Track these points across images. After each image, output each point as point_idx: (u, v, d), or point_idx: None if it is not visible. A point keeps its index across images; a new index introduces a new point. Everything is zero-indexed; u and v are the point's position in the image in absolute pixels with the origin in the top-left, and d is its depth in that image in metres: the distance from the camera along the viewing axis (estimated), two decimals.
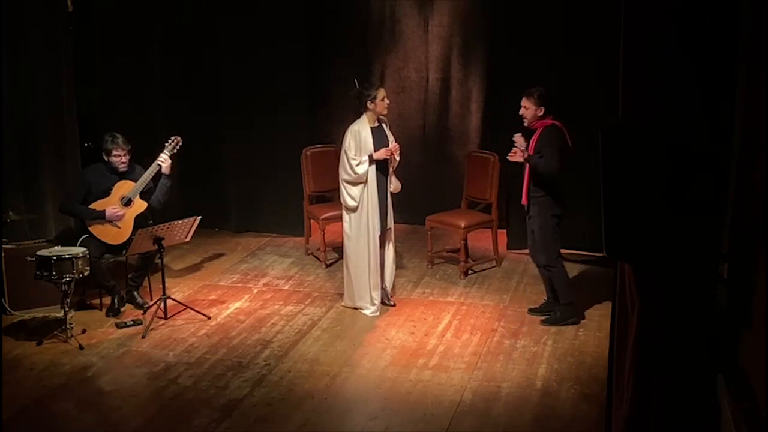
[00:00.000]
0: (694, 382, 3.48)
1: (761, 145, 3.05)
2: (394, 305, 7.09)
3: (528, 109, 6.42)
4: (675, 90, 3.35)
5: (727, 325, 3.48)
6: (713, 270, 3.45)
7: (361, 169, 6.69)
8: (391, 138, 6.86)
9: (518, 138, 6.49)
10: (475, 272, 7.98)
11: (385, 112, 6.78)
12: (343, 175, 6.78)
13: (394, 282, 7.19)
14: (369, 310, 6.93)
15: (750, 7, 3.24)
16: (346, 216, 6.88)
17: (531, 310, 6.90)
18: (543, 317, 6.76)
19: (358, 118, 6.81)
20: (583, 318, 6.76)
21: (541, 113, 6.41)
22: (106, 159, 6.93)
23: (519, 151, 6.44)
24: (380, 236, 6.88)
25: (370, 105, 6.71)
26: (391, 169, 6.89)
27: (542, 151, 6.37)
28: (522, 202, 6.57)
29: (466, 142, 9.02)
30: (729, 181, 3.41)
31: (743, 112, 3.35)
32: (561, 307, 6.71)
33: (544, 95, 6.42)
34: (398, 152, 6.81)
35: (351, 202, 6.77)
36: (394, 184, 6.93)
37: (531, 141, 6.45)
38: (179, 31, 9.05)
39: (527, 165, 6.44)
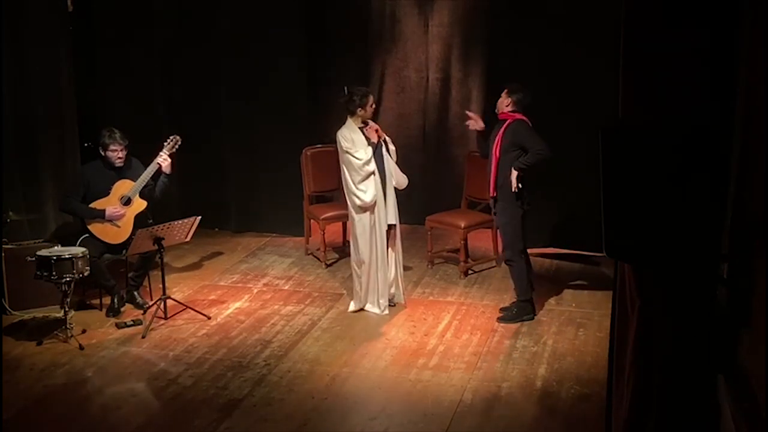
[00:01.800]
0: (694, 382, 3.48)
1: (761, 145, 3.05)
2: (394, 305, 7.08)
3: (501, 97, 6.62)
4: (675, 90, 3.35)
5: (727, 325, 3.48)
6: (713, 270, 3.45)
7: (365, 156, 6.65)
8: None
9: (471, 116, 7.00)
10: (475, 272, 7.98)
11: (371, 117, 6.80)
12: (354, 178, 6.69)
13: (400, 283, 7.12)
14: (379, 309, 6.93)
15: (750, 6, 3.24)
16: (356, 217, 6.81)
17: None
18: (502, 314, 6.84)
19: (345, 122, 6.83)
20: (534, 315, 6.81)
21: (508, 105, 6.55)
22: (102, 154, 6.94)
23: (473, 119, 6.89)
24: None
25: (360, 111, 6.73)
26: (392, 162, 6.84)
27: (521, 146, 6.47)
28: (491, 194, 6.60)
29: (466, 142, 9.00)
30: (729, 181, 3.41)
31: (743, 112, 3.35)
32: (518, 303, 6.80)
33: (521, 100, 6.53)
34: (380, 130, 6.77)
35: (366, 198, 6.68)
36: (398, 179, 6.88)
37: (498, 133, 6.56)
38: (179, 31, 9.05)
39: (495, 158, 6.53)
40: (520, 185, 6.45)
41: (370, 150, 6.67)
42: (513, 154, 6.49)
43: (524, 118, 6.55)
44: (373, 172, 6.69)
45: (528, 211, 6.65)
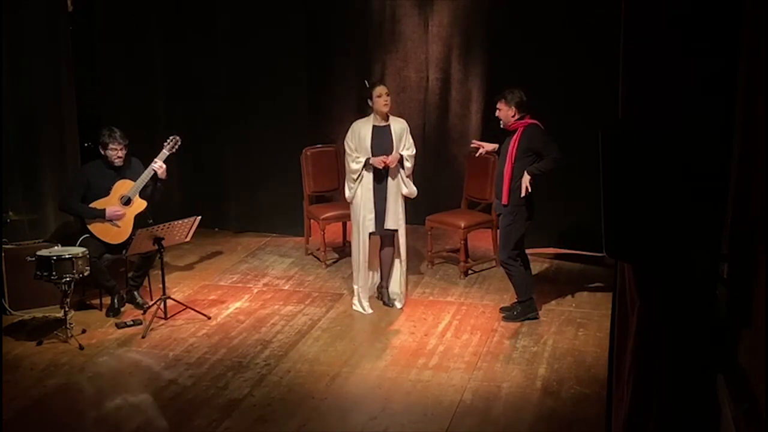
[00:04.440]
0: (694, 382, 3.48)
1: (761, 145, 3.05)
2: (392, 306, 7.07)
3: (501, 110, 6.55)
4: (675, 90, 3.35)
5: (727, 325, 3.48)
6: (713, 270, 3.45)
7: (354, 165, 6.72)
8: (399, 141, 6.77)
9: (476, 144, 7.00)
10: (475, 272, 7.98)
11: (383, 110, 6.73)
12: (347, 174, 6.91)
13: (402, 286, 7.12)
14: (356, 306, 7.01)
15: (751, 6, 3.24)
16: (351, 212, 6.98)
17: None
18: (505, 314, 6.86)
19: (365, 116, 6.89)
20: (538, 314, 6.82)
21: (514, 115, 6.49)
22: (102, 153, 6.94)
23: (481, 146, 6.89)
24: (382, 236, 6.92)
25: (370, 102, 6.75)
26: (403, 173, 6.84)
27: (536, 151, 6.46)
28: (503, 202, 6.58)
29: (466, 142, 8.99)
30: (729, 181, 3.41)
31: (743, 112, 3.35)
32: (520, 303, 6.80)
33: (522, 100, 6.49)
34: (393, 164, 6.72)
35: (349, 195, 6.88)
36: (407, 189, 6.88)
37: (512, 141, 6.53)
38: (179, 32, 9.05)
39: (510, 163, 6.49)
40: (529, 190, 6.44)
41: (361, 165, 6.71)
42: (527, 160, 6.46)
43: (536, 122, 6.51)
44: (356, 180, 6.76)
45: (532, 217, 6.64)
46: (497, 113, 6.59)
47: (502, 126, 6.60)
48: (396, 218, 6.87)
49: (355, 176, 6.76)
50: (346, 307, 7.09)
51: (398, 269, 7.06)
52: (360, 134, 6.73)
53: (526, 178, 6.41)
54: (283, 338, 6.52)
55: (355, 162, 6.73)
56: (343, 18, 9.16)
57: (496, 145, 6.85)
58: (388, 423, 5.23)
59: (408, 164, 6.83)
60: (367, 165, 6.72)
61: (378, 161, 6.68)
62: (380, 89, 6.73)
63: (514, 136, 6.51)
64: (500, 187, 6.58)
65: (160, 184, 7.04)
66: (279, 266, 8.24)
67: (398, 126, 6.82)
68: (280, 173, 8.90)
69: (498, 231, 7.11)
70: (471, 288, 7.59)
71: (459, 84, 9.02)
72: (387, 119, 6.79)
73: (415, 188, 6.95)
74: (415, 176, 7.12)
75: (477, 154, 7.05)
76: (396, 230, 6.90)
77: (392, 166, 6.74)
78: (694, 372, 3.47)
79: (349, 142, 6.76)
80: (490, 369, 5.96)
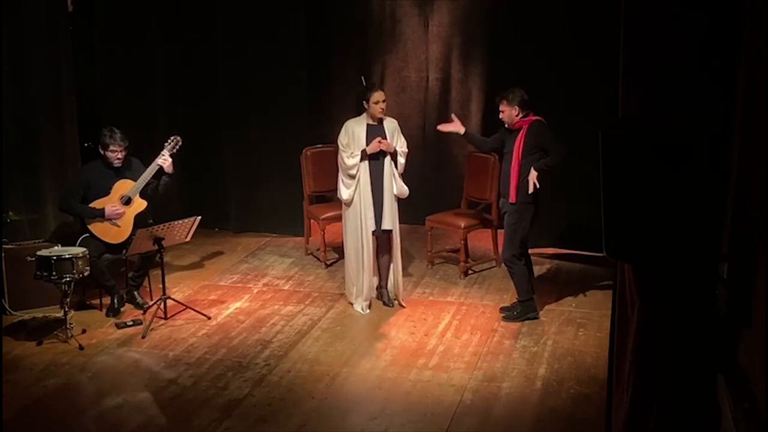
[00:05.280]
0: (694, 382, 3.48)
1: (761, 145, 3.05)
2: (393, 306, 7.08)
3: (504, 111, 6.57)
4: (675, 90, 3.35)
5: (727, 325, 3.48)
6: (713, 270, 3.45)
7: (350, 161, 6.72)
8: (392, 139, 6.80)
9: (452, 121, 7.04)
10: (475, 272, 7.98)
11: (378, 115, 6.76)
12: (341, 173, 6.87)
13: (399, 284, 7.14)
14: (358, 306, 7.01)
15: (751, 6, 3.24)
16: (343, 212, 6.97)
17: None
18: (505, 314, 6.86)
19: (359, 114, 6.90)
20: (537, 314, 6.82)
21: (518, 113, 6.52)
22: (102, 153, 6.94)
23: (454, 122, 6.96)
24: (378, 236, 6.91)
25: (365, 105, 6.76)
26: (395, 172, 6.86)
27: (542, 147, 6.49)
28: (511, 200, 6.60)
29: (466, 142, 9.00)
30: (729, 181, 3.41)
31: (743, 112, 3.35)
32: (519, 303, 6.80)
33: (524, 99, 6.52)
34: (388, 147, 6.74)
35: (343, 195, 6.84)
36: (398, 189, 6.90)
37: (518, 138, 6.54)
38: (179, 31, 9.06)
39: (517, 161, 6.49)
40: (538, 186, 6.44)
41: (357, 158, 6.70)
42: (534, 156, 6.49)
43: (540, 118, 6.55)
44: (355, 176, 6.75)
45: (538, 215, 6.66)
46: (500, 115, 6.60)
47: (506, 126, 6.63)
48: (392, 218, 6.90)
49: (353, 172, 6.74)
50: (346, 307, 7.10)
51: (393, 268, 7.07)
52: (354, 133, 6.75)
53: (533, 175, 6.43)
54: (283, 338, 6.52)
55: (350, 157, 6.73)
56: (343, 18, 9.16)
57: (463, 129, 6.96)
58: (388, 423, 5.24)
59: (401, 160, 6.85)
60: (362, 161, 6.72)
61: (374, 144, 6.68)
62: (377, 95, 6.73)
63: (520, 134, 6.52)
64: (507, 186, 6.60)
65: (168, 178, 7.03)
66: (279, 266, 8.24)
67: (391, 125, 6.87)
68: (280, 173, 8.91)
69: (499, 230, 7.12)
70: (471, 288, 7.59)
71: (459, 84, 9.02)
72: (380, 120, 6.82)
73: (406, 188, 6.95)
74: (415, 176, 7.15)
75: (446, 127, 7.05)
76: (391, 230, 6.91)
77: (390, 150, 6.74)
78: (694, 372, 3.47)
79: (342, 139, 6.80)
80: (490, 369, 5.96)
